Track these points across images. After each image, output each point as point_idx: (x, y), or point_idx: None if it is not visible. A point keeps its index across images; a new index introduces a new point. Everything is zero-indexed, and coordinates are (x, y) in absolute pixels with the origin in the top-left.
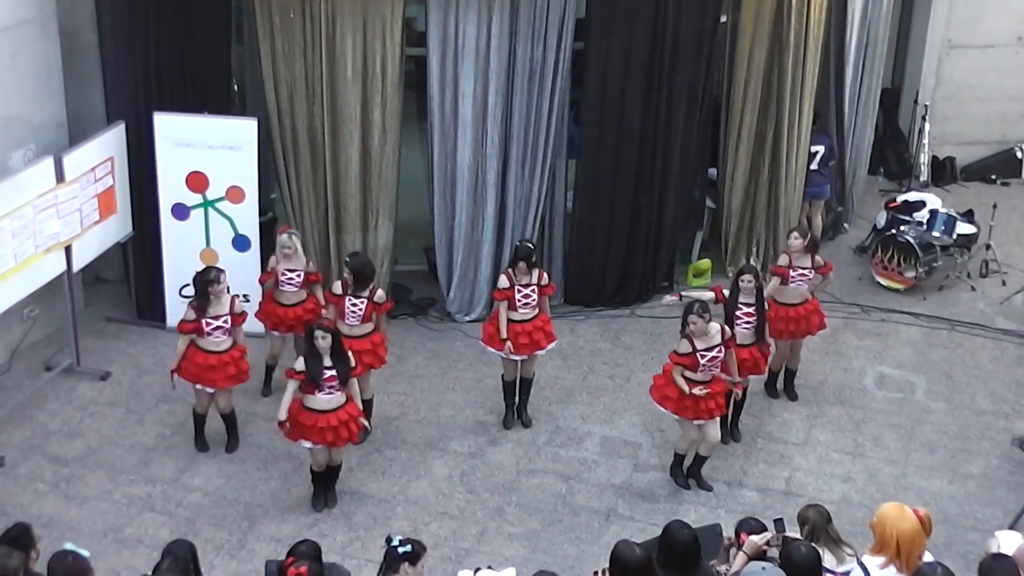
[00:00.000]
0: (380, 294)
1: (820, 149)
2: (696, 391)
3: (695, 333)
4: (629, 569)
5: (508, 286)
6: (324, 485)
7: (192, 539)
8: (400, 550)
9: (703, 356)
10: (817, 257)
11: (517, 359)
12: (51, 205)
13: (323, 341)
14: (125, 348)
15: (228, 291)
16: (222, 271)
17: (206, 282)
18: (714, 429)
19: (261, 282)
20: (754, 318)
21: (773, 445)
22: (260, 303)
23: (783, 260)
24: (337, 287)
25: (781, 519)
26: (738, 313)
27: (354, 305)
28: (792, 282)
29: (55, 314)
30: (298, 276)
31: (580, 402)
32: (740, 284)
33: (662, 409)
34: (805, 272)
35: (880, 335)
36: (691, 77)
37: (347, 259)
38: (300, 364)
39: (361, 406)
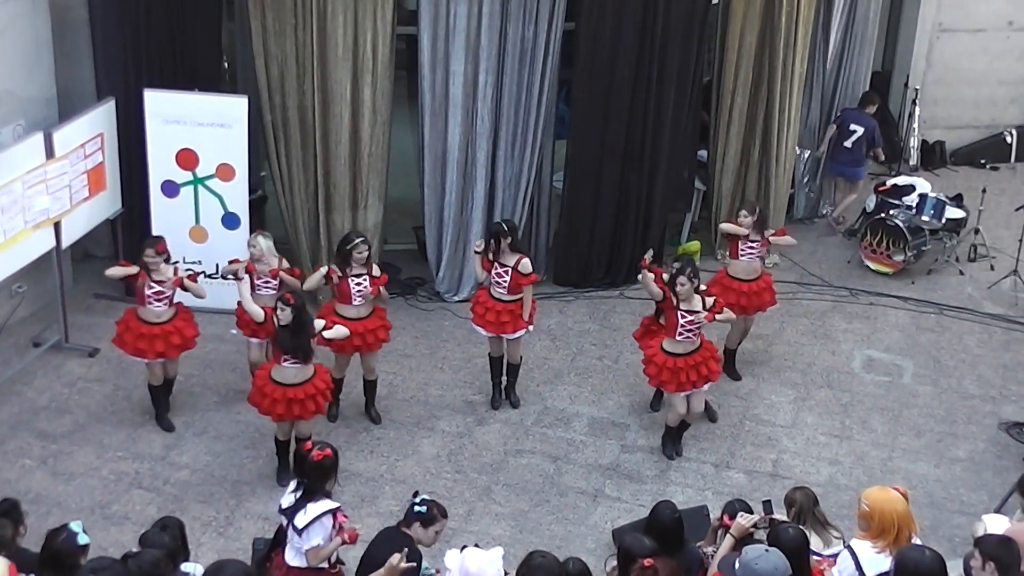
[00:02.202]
0: (376, 268)
1: (859, 130)
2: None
3: (681, 295)
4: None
5: (481, 252)
6: (288, 457)
7: (180, 516)
8: (416, 509)
9: (683, 316)
10: (766, 231)
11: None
12: (40, 181)
13: (281, 314)
14: (113, 325)
15: (169, 261)
16: (157, 239)
17: (141, 248)
18: (698, 400)
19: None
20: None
21: (760, 427)
22: (236, 309)
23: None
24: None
25: (769, 501)
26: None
27: (359, 284)
28: (743, 256)
29: (43, 290)
30: (275, 279)
31: (568, 383)
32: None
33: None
34: (754, 246)
35: (868, 318)
36: (682, 58)
37: (359, 238)
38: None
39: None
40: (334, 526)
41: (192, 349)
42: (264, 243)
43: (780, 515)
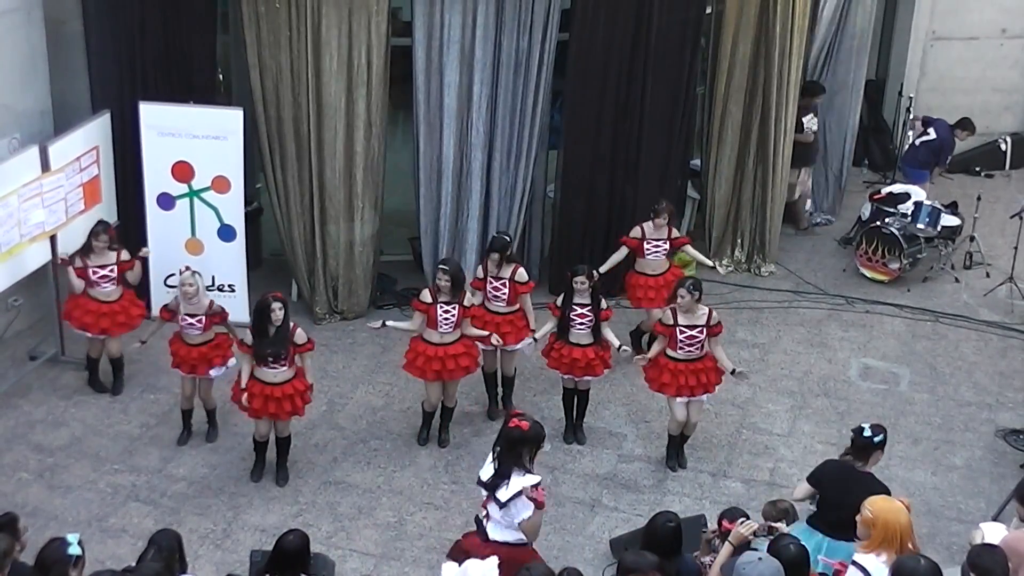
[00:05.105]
0: (468, 297)
1: (931, 134)
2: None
3: (680, 307)
4: None
5: (483, 277)
6: (264, 456)
7: (177, 529)
8: (875, 440)
9: (682, 332)
10: (673, 230)
11: (484, 349)
12: (36, 194)
13: (278, 313)
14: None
15: (112, 247)
16: (108, 224)
17: (90, 233)
18: (697, 409)
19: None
20: (589, 319)
21: (758, 436)
22: (170, 341)
23: (635, 233)
24: (426, 295)
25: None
26: (573, 315)
27: (446, 312)
28: (648, 255)
29: (39, 303)
30: (199, 321)
31: None
32: (575, 285)
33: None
34: (659, 244)
35: (864, 326)
36: (674, 68)
37: (442, 265)
38: (249, 337)
39: (311, 381)
40: (534, 501)
41: (137, 327)
42: (199, 281)
43: (782, 526)
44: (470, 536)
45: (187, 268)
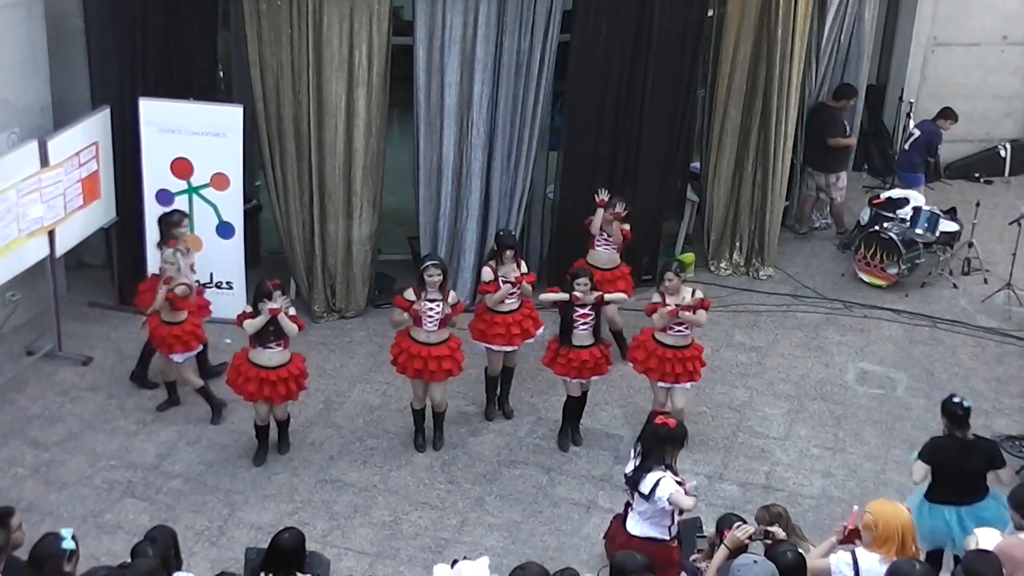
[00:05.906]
0: (453, 295)
1: (916, 133)
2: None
3: (668, 290)
4: None
5: (492, 279)
6: (267, 440)
7: (172, 525)
8: (966, 403)
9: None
10: (624, 227)
11: (505, 350)
12: (35, 189)
13: (281, 300)
14: (107, 333)
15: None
16: (185, 215)
17: (169, 224)
18: (680, 395)
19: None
20: (591, 318)
21: (754, 440)
22: (147, 319)
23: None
24: (409, 293)
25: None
26: (575, 316)
27: (431, 310)
28: (599, 245)
29: (37, 298)
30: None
31: (562, 394)
32: (576, 287)
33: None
34: (610, 237)
35: (862, 331)
36: (675, 70)
37: (432, 260)
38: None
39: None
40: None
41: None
42: (180, 259)
43: (777, 529)
44: (615, 521)
45: (172, 244)
